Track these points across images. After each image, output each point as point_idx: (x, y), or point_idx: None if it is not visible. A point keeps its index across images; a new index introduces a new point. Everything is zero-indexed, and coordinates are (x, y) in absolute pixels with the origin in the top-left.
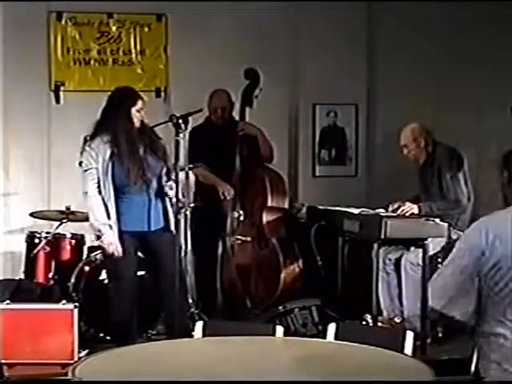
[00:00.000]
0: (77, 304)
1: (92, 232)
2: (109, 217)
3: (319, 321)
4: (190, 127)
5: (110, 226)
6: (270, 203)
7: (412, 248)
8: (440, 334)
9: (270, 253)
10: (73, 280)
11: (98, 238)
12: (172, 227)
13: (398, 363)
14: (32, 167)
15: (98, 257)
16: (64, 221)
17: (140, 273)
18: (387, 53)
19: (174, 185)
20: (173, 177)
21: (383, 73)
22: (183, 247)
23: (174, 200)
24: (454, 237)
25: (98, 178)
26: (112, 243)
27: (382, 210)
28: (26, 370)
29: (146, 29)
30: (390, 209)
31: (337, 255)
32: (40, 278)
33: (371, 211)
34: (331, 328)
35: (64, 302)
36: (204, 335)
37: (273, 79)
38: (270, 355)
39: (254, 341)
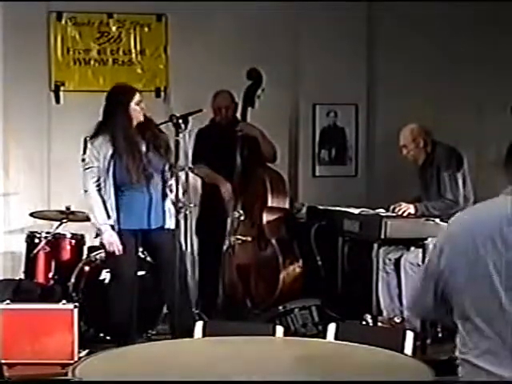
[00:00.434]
0: (77, 304)
1: (92, 232)
2: (109, 216)
3: (319, 321)
4: (194, 128)
5: (111, 226)
6: (270, 203)
7: (412, 248)
8: (440, 334)
9: (270, 253)
10: (73, 280)
11: (97, 235)
12: (173, 226)
13: (398, 363)
14: (32, 167)
15: (98, 257)
16: (64, 221)
17: (140, 272)
18: (387, 53)
19: (174, 185)
20: (174, 176)
21: (383, 73)
22: (183, 247)
23: (174, 200)
24: None
25: (99, 177)
26: (112, 242)
27: (382, 210)
28: (26, 370)
29: (146, 29)
30: (391, 209)
31: (337, 255)
32: (40, 278)
33: (371, 211)
34: (331, 328)
35: (64, 301)
36: (204, 335)
37: (273, 79)
38: (270, 355)
39: (254, 341)
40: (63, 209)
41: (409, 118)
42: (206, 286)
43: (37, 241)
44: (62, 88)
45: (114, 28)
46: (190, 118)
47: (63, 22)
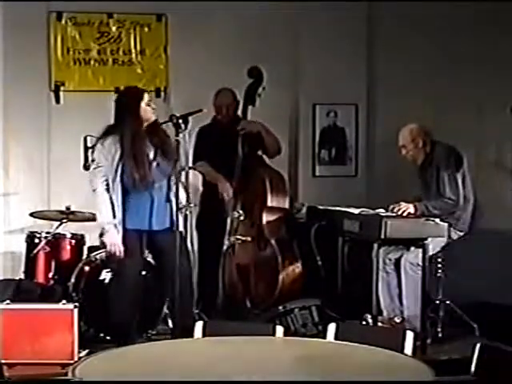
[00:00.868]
0: (77, 304)
1: (92, 231)
2: (114, 215)
3: (319, 321)
4: (195, 128)
5: (115, 225)
6: (270, 203)
7: (412, 248)
8: (440, 334)
9: (269, 253)
10: (73, 280)
11: (102, 234)
12: (180, 227)
13: (398, 363)
14: (32, 167)
15: (98, 257)
16: (64, 221)
17: (142, 272)
18: (387, 53)
19: (180, 189)
20: (179, 180)
21: (383, 73)
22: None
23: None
24: (454, 237)
25: (107, 176)
26: (114, 243)
27: (382, 210)
28: (26, 370)
29: (146, 29)
30: (390, 209)
31: (337, 255)
32: (40, 278)
33: (371, 211)
34: (331, 328)
35: (64, 301)
36: (204, 335)
37: (273, 79)
38: (270, 355)
39: (254, 341)
40: (63, 209)
41: (409, 118)
42: (205, 286)
43: (37, 241)
44: (61, 88)
45: (113, 28)
46: (190, 118)
47: (63, 21)
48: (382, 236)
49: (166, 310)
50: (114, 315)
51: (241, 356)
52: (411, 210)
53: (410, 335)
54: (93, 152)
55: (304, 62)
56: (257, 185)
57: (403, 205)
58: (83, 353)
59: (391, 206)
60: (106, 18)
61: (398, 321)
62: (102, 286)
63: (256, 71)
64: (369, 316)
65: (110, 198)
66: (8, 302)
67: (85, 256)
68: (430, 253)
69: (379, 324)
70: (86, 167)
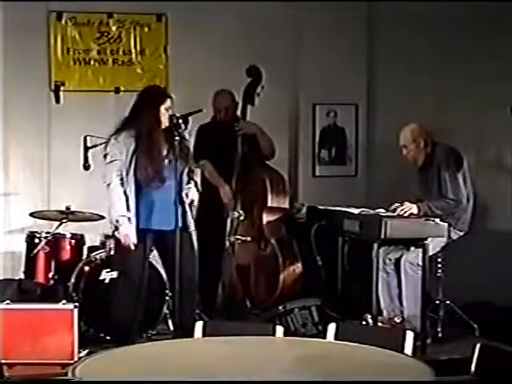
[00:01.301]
0: (77, 304)
1: (92, 232)
2: (128, 209)
3: (319, 321)
4: (194, 128)
5: (129, 218)
6: (270, 203)
7: (412, 248)
8: (440, 334)
9: (269, 253)
10: (73, 280)
11: (116, 228)
12: (191, 228)
13: (398, 363)
14: (32, 167)
15: (98, 257)
16: (64, 221)
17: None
18: (387, 53)
19: (192, 189)
20: (192, 180)
21: (383, 73)
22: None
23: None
24: (454, 237)
25: (121, 171)
26: (128, 234)
27: (382, 210)
28: (26, 370)
29: (146, 29)
30: (392, 208)
31: (337, 255)
32: (40, 278)
33: (371, 211)
34: (331, 328)
35: (64, 301)
36: (204, 335)
37: (273, 79)
38: (270, 355)
39: (254, 341)
40: (63, 209)
41: (409, 118)
42: (205, 286)
43: (37, 241)
44: (61, 88)
45: (113, 28)
46: (190, 118)
47: (63, 21)
48: (382, 236)
49: (165, 310)
50: (117, 314)
51: (241, 356)
52: (414, 210)
53: (409, 335)
54: (105, 147)
55: (304, 62)
56: (257, 185)
57: (407, 205)
58: (83, 353)
59: (394, 206)
60: (106, 18)
61: (397, 321)
62: (102, 286)
63: (255, 70)
64: (369, 316)
65: (124, 192)
66: (8, 301)
67: (85, 256)
68: (430, 253)
69: (379, 324)
70: (86, 167)
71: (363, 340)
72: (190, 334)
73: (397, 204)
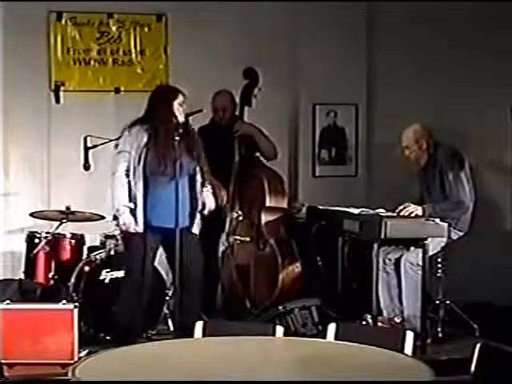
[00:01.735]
0: (77, 304)
1: (92, 232)
2: (130, 200)
3: (319, 321)
4: (195, 127)
5: (130, 209)
6: (268, 203)
7: (412, 248)
8: (440, 334)
9: (268, 253)
10: (73, 280)
11: (115, 217)
12: (193, 227)
13: (398, 363)
14: (32, 167)
15: (98, 257)
16: (64, 221)
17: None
18: (387, 53)
19: (210, 197)
20: (207, 182)
21: (383, 73)
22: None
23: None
24: (454, 237)
25: (129, 163)
26: (127, 223)
27: (382, 210)
28: (26, 370)
29: (146, 29)
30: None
31: (337, 255)
32: (40, 278)
33: (371, 211)
34: (331, 328)
35: (64, 301)
36: (204, 335)
37: (273, 79)
38: (270, 355)
39: (254, 341)
40: (63, 209)
41: (409, 118)
42: (205, 286)
43: (37, 241)
44: (62, 88)
45: (114, 28)
46: (190, 118)
47: (63, 21)
48: (382, 236)
49: (165, 310)
50: (118, 314)
51: (241, 356)
52: (419, 212)
53: (409, 335)
54: (119, 138)
55: (304, 62)
56: (255, 185)
57: (411, 206)
58: (83, 353)
59: (399, 208)
60: (106, 18)
61: (397, 321)
62: (102, 286)
63: (251, 72)
64: (369, 316)
65: (129, 183)
66: (8, 302)
67: (85, 256)
68: (430, 253)
69: (379, 324)
70: (86, 167)
71: (363, 340)
72: (190, 334)
73: (402, 206)
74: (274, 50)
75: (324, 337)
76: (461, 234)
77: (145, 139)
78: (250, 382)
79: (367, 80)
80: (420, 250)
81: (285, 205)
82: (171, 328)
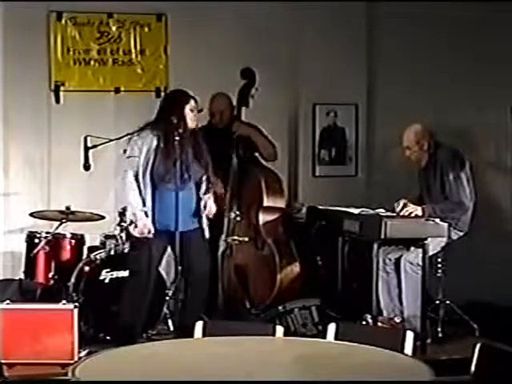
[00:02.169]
0: (77, 304)
1: (92, 232)
2: (144, 204)
3: (319, 321)
4: None
5: (145, 213)
6: (266, 203)
7: (412, 248)
8: (440, 334)
9: (267, 253)
10: (73, 280)
11: (132, 222)
12: (205, 231)
13: (398, 363)
14: (32, 167)
15: (98, 257)
16: (64, 221)
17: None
18: (387, 53)
19: (210, 201)
20: (210, 191)
21: (383, 73)
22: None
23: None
24: (454, 237)
25: (138, 168)
26: (146, 225)
27: (382, 210)
28: (26, 370)
29: (146, 29)
30: (397, 209)
31: (337, 255)
32: (40, 278)
33: (371, 211)
34: (331, 328)
35: (64, 302)
36: (204, 335)
37: (273, 79)
38: (270, 355)
39: (254, 341)
40: (63, 209)
41: (409, 118)
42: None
43: (37, 241)
44: (62, 88)
45: (114, 28)
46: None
47: (63, 21)
48: (382, 236)
49: (165, 310)
50: (118, 314)
51: (241, 356)
52: (419, 212)
53: (409, 335)
54: (128, 142)
55: (304, 62)
56: (252, 185)
57: (411, 206)
58: (83, 353)
59: (400, 205)
60: (106, 18)
61: (397, 321)
62: (102, 286)
63: (248, 72)
64: (369, 316)
65: (139, 188)
66: (8, 302)
67: (85, 256)
68: (430, 253)
69: (379, 324)
70: (86, 167)
71: (363, 340)
72: (190, 334)
73: (402, 202)
74: (274, 49)
75: (324, 337)
76: (461, 234)
77: (154, 143)
78: (250, 381)
79: (367, 80)
80: (420, 250)
81: (283, 205)
82: (171, 328)
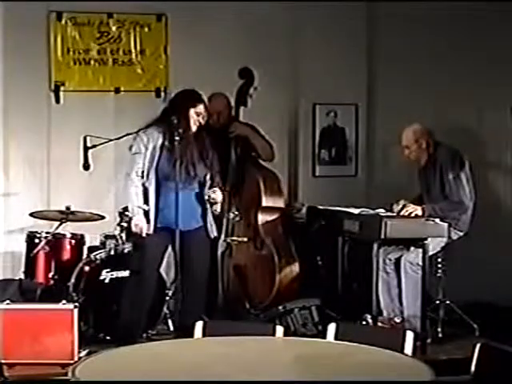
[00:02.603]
0: (77, 304)
1: (92, 231)
2: (146, 202)
3: (319, 321)
4: None
5: (145, 212)
6: (264, 203)
7: (412, 248)
8: (440, 334)
9: (266, 253)
10: (73, 280)
11: (130, 219)
12: (209, 231)
13: (398, 363)
14: (32, 167)
15: (98, 257)
16: (64, 221)
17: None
18: (387, 53)
19: (217, 191)
20: (215, 185)
21: (383, 73)
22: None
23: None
24: (454, 237)
25: (143, 165)
26: (139, 225)
27: (382, 210)
28: (25, 370)
29: (146, 29)
30: (396, 209)
31: (337, 255)
32: (40, 278)
33: (371, 211)
34: (331, 328)
35: (64, 302)
36: (204, 335)
37: (273, 79)
38: (270, 355)
39: (254, 341)
40: (63, 209)
41: (409, 118)
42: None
43: (37, 241)
44: (62, 88)
45: (114, 28)
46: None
47: (63, 21)
48: (382, 236)
49: (165, 310)
50: (118, 314)
51: (241, 356)
52: (419, 212)
53: (409, 335)
54: (134, 139)
55: (304, 62)
56: (251, 185)
57: (411, 206)
58: (83, 353)
59: (400, 205)
60: (106, 18)
61: (397, 321)
62: (102, 286)
63: (246, 72)
64: (369, 316)
65: (144, 185)
66: (8, 302)
67: (85, 256)
68: (430, 253)
69: (379, 324)
70: (86, 167)
71: (363, 340)
72: (190, 334)
73: (401, 204)
74: (274, 49)
75: (324, 337)
76: (461, 234)
77: (160, 141)
78: (250, 381)
79: (367, 80)
80: (420, 250)
81: (282, 204)
82: (171, 328)
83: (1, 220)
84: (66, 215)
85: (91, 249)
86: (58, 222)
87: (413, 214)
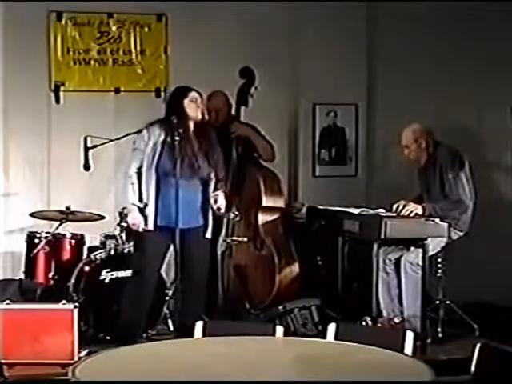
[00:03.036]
0: (77, 304)
1: (92, 231)
2: (140, 199)
3: (319, 321)
4: None
5: (140, 209)
6: (264, 203)
7: (412, 248)
8: (440, 334)
9: (266, 253)
10: (73, 280)
11: (126, 215)
12: (209, 230)
13: (398, 363)
14: (32, 167)
15: (98, 257)
16: (64, 221)
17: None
18: (387, 53)
19: (221, 196)
20: (219, 187)
21: (383, 73)
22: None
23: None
24: (454, 237)
25: (142, 161)
26: (135, 223)
27: (382, 210)
28: (25, 370)
29: (146, 29)
30: (394, 208)
31: (337, 255)
32: (40, 278)
33: (371, 211)
34: (331, 328)
35: (64, 302)
36: (204, 335)
37: (273, 79)
38: (270, 355)
39: (254, 341)
40: (63, 209)
41: (409, 118)
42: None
43: (37, 241)
44: (62, 88)
45: (114, 28)
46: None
47: (63, 22)
48: (382, 236)
49: (165, 310)
50: (118, 314)
51: (241, 356)
52: (419, 211)
53: (409, 335)
54: (138, 135)
55: (304, 62)
56: (251, 185)
57: (411, 205)
58: (83, 353)
59: (400, 206)
60: (106, 18)
61: (397, 321)
62: (102, 286)
63: (247, 71)
64: (368, 318)
65: (140, 182)
66: (8, 302)
67: (85, 256)
68: (430, 253)
69: (379, 324)
70: (86, 167)
71: (363, 340)
72: (190, 334)
73: (402, 202)
74: (274, 49)
75: (324, 337)
76: (461, 234)
77: (161, 138)
78: (250, 381)
79: (367, 80)
80: (420, 250)
81: (282, 204)
82: (171, 328)
83: (1, 220)
84: (66, 215)
85: (91, 249)
86: (58, 222)
87: (413, 213)
